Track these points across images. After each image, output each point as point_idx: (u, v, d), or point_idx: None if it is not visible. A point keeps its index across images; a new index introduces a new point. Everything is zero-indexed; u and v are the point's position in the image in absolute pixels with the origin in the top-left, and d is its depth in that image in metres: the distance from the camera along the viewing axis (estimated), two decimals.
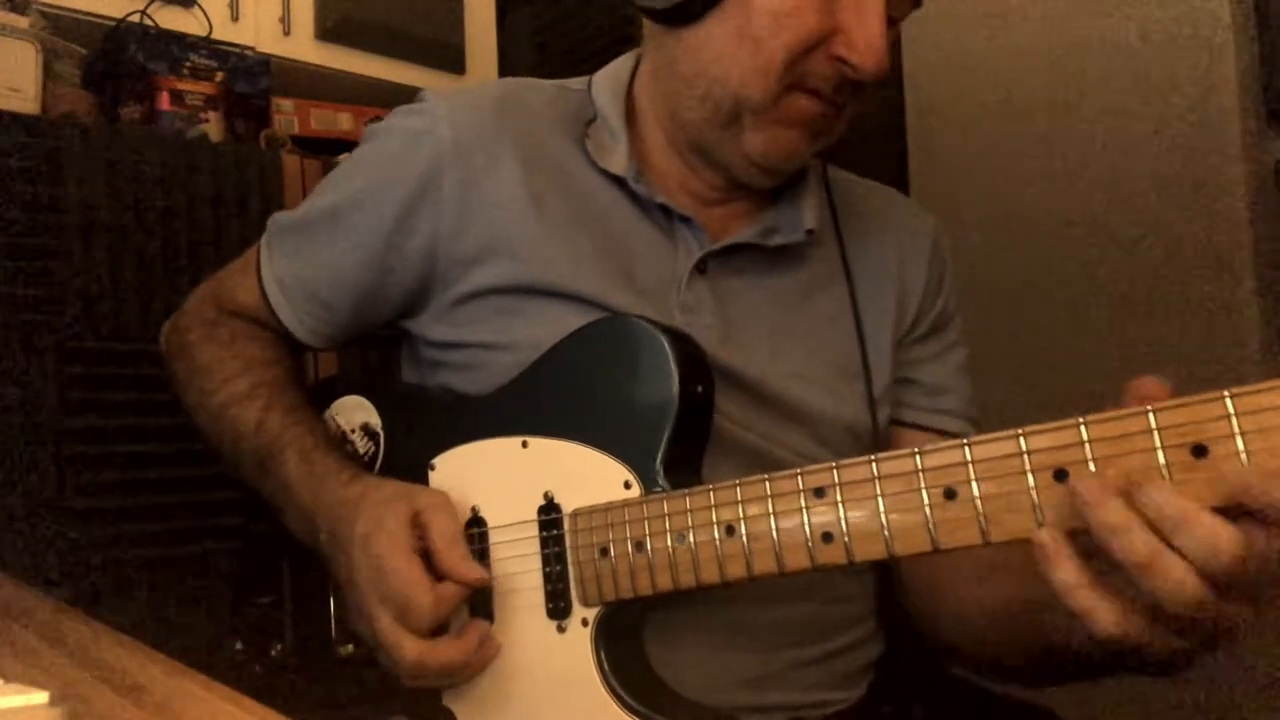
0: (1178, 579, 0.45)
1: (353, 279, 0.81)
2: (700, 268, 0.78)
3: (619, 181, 0.79)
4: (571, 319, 0.73)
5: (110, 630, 0.57)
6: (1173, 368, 1.36)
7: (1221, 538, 0.44)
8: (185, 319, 0.90)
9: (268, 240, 0.86)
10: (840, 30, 0.70)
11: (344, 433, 0.84)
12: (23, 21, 1.35)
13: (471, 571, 0.66)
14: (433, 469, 0.76)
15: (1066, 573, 0.49)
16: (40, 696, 0.40)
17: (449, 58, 1.92)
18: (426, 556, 0.67)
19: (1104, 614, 0.48)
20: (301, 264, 0.83)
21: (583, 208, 0.79)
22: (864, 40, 0.69)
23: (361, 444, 0.82)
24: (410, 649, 0.65)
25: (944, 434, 0.85)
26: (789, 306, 0.81)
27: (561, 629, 0.68)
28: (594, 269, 0.76)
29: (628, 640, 0.68)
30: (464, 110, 0.79)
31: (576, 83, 0.87)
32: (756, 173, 0.78)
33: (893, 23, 0.73)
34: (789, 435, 0.78)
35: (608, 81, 0.84)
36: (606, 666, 0.66)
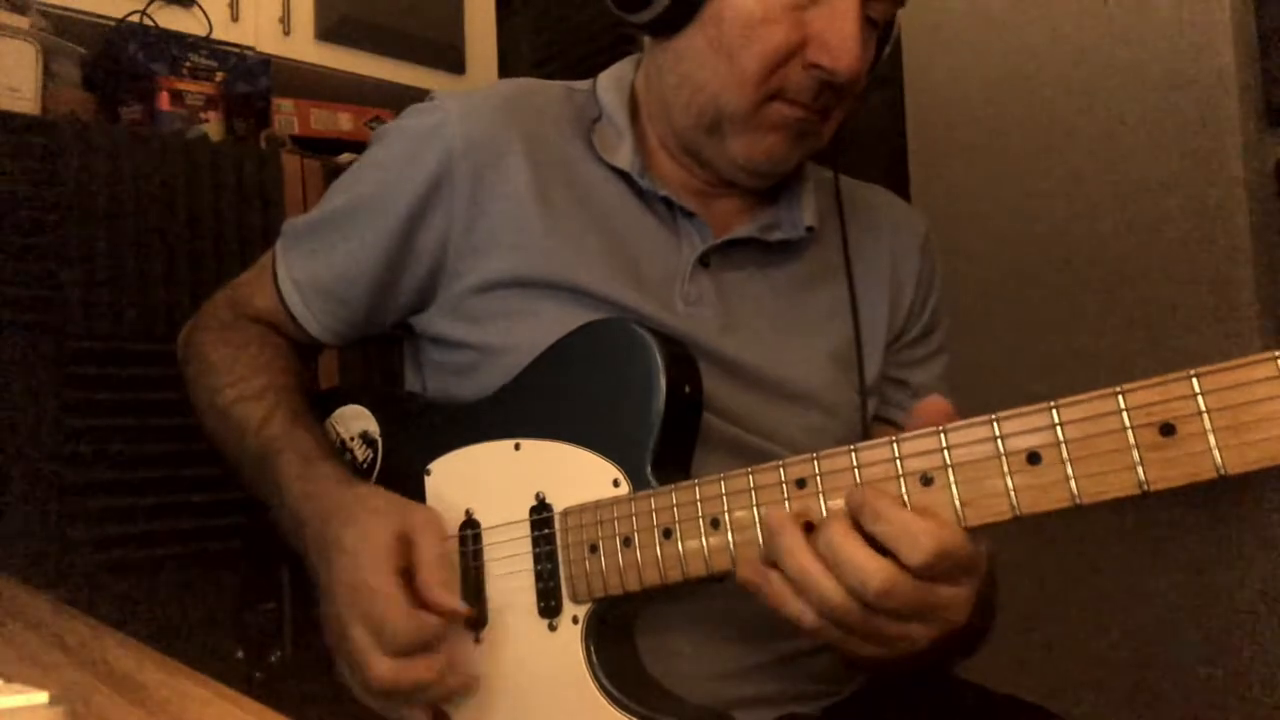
0: (821, 593, 0.54)
1: (367, 275, 0.82)
2: (703, 261, 0.80)
3: (624, 176, 0.81)
4: (574, 315, 0.74)
5: (110, 630, 0.57)
6: (1172, 367, 1.35)
7: (872, 573, 0.52)
8: (202, 321, 0.91)
9: (282, 244, 0.87)
10: (813, 37, 0.71)
11: (343, 441, 0.84)
12: (23, 21, 1.35)
13: (447, 603, 0.65)
14: (429, 474, 0.77)
15: (775, 587, 0.57)
16: (40, 696, 0.40)
17: (449, 58, 1.92)
18: (410, 575, 0.66)
19: (807, 617, 0.56)
20: (317, 263, 0.84)
21: (588, 202, 0.80)
22: (836, 42, 0.70)
23: (360, 452, 0.83)
24: (380, 667, 0.64)
25: None
26: (788, 298, 0.83)
27: (552, 627, 0.68)
28: (598, 261, 0.78)
29: (618, 637, 0.69)
30: (473, 108, 0.81)
31: (581, 84, 0.89)
32: (743, 175, 0.80)
33: (875, 25, 0.74)
34: (785, 424, 0.79)
35: (611, 81, 0.86)
36: (597, 663, 0.66)
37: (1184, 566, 1.28)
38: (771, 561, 0.57)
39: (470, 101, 0.82)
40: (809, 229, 0.82)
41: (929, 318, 0.91)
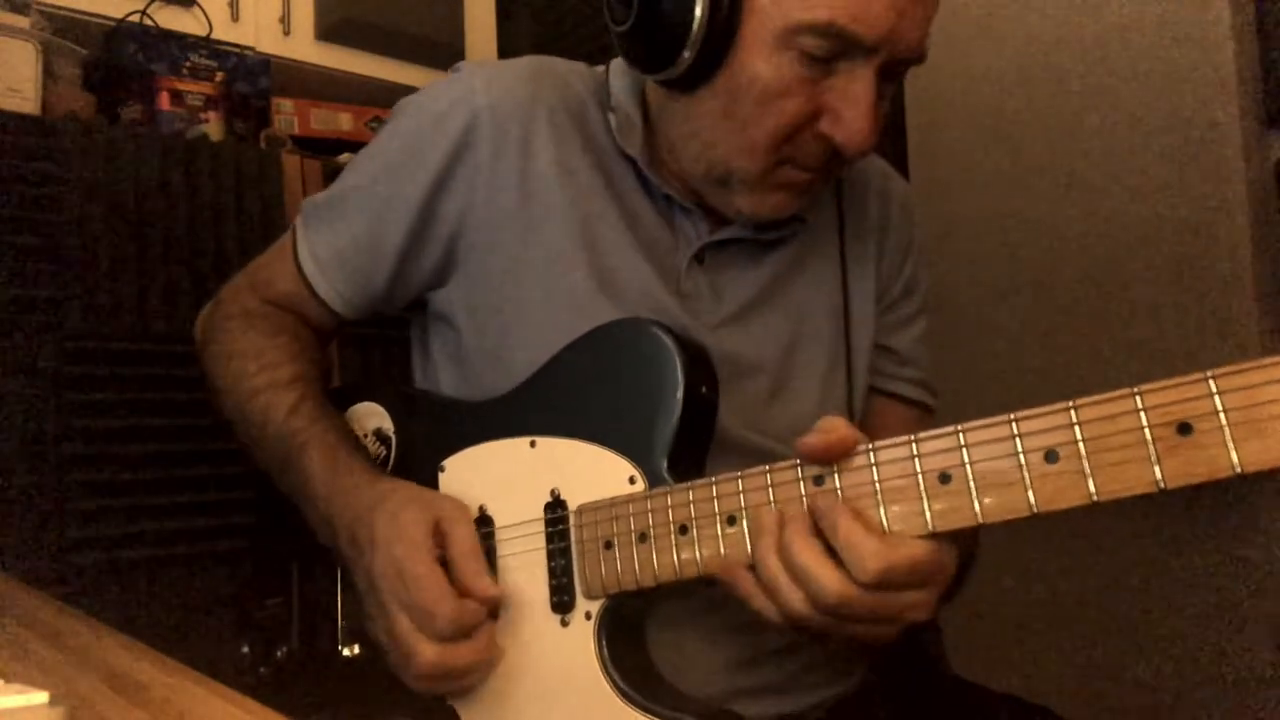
0: (785, 601, 0.58)
1: (390, 246, 0.81)
2: (698, 257, 0.81)
3: (632, 163, 0.81)
4: (592, 295, 0.75)
5: (110, 630, 0.57)
6: (1172, 367, 1.36)
7: (825, 587, 0.55)
8: (224, 307, 0.90)
9: (302, 220, 0.86)
10: (827, 109, 0.70)
11: (357, 438, 0.84)
12: (23, 21, 1.35)
13: (486, 589, 0.66)
14: (442, 470, 0.77)
15: (745, 584, 0.60)
16: (40, 696, 0.40)
17: (449, 58, 1.91)
18: (444, 565, 0.67)
19: (770, 613, 0.60)
20: (338, 236, 0.83)
21: (607, 180, 0.81)
22: (850, 119, 0.69)
23: (374, 448, 0.83)
24: (427, 653, 0.65)
25: (912, 403, 0.91)
26: (781, 283, 0.84)
27: (565, 623, 0.68)
28: (615, 240, 0.78)
29: (630, 634, 0.69)
30: (499, 79, 0.80)
31: (597, 67, 0.89)
32: (745, 221, 0.80)
33: (893, 79, 0.72)
34: (781, 415, 0.80)
35: (624, 72, 0.85)
36: (609, 659, 0.66)
37: (1188, 571, 1.28)
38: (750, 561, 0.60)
39: (495, 72, 0.81)
40: (801, 220, 0.83)
41: (909, 278, 0.92)
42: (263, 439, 0.80)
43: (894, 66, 0.70)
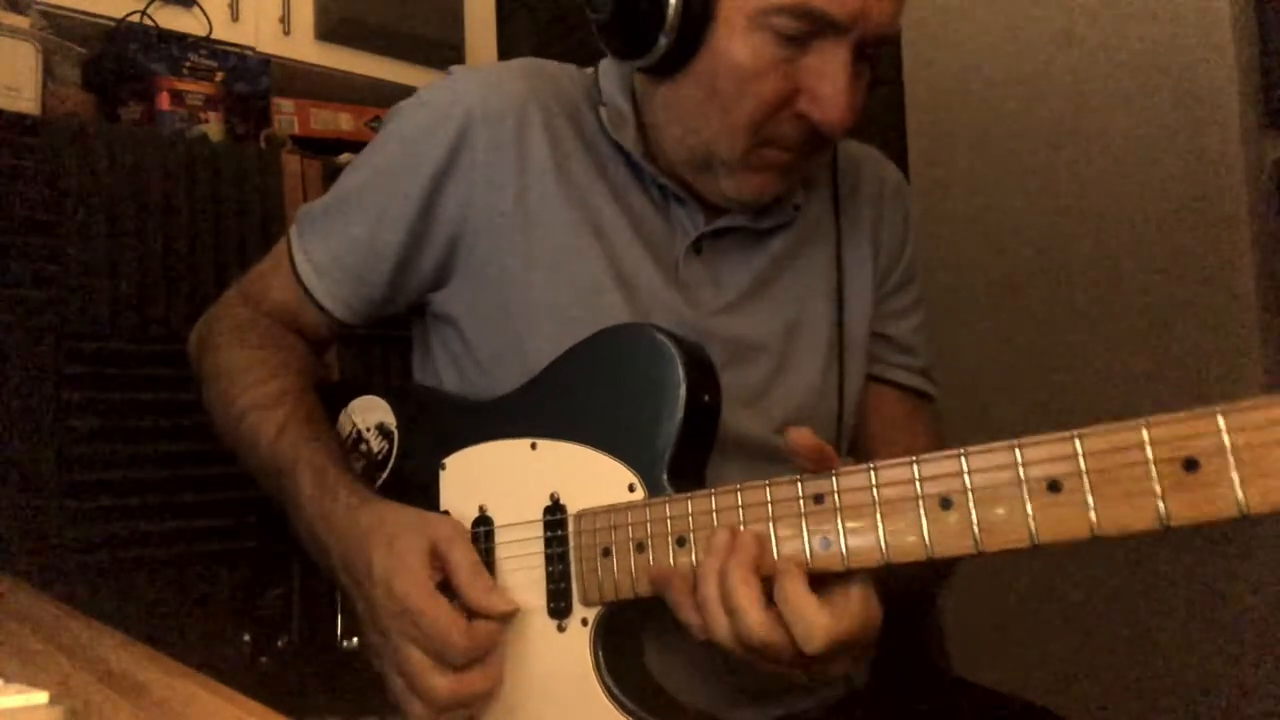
0: (712, 625, 0.59)
1: (389, 249, 0.81)
2: (695, 247, 0.82)
3: (626, 155, 0.82)
4: (592, 292, 0.76)
5: (110, 630, 0.57)
6: (1172, 368, 1.36)
7: (751, 630, 0.56)
8: (217, 319, 0.90)
9: (298, 229, 0.86)
10: (805, 88, 0.71)
11: (359, 432, 0.84)
12: (23, 21, 1.35)
13: (499, 605, 0.66)
14: (443, 468, 0.77)
15: (678, 593, 0.61)
16: (40, 696, 0.40)
17: (449, 58, 1.92)
18: (445, 588, 0.66)
19: (694, 627, 0.61)
20: (335, 241, 0.83)
21: (602, 175, 0.81)
22: (827, 96, 0.70)
23: (376, 443, 0.83)
24: (443, 685, 0.64)
25: (913, 391, 0.91)
26: (779, 270, 0.85)
27: (561, 628, 0.68)
28: (617, 233, 0.79)
29: (626, 641, 0.69)
30: (492, 80, 0.81)
31: (585, 69, 0.89)
32: (732, 205, 0.81)
33: (868, 58, 0.73)
34: (783, 395, 0.80)
35: (612, 68, 0.86)
36: (604, 666, 0.66)
37: (1189, 572, 1.28)
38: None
39: (488, 74, 0.82)
40: (796, 207, 0.84)
41: (906, 267, 0.92)
42: (253, 458, 0.79)
43: (869, 44, 0.71)
